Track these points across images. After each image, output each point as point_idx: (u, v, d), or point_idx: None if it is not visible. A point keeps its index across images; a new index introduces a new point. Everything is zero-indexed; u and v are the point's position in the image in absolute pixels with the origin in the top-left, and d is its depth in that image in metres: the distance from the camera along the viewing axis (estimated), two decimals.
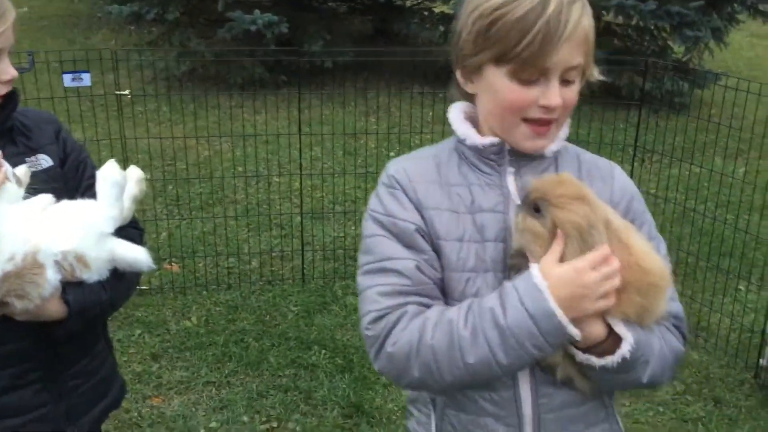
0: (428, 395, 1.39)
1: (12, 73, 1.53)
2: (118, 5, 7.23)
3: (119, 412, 2.93)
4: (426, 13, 8.19)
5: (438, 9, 8.23)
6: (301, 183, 4.13)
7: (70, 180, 1.62)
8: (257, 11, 6.68)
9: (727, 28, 7.24)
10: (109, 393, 1.75)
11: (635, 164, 4.26)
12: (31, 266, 1.43)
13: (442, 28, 8.01)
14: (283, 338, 3.44)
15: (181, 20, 7.26)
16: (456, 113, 1.37)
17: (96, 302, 1.54)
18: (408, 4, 8.28)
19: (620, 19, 7.29)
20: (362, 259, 1.34)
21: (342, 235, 4.47)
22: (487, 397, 1.31)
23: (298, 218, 4.38)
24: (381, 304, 1.28)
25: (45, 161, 1.60)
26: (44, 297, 1.45)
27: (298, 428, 2.88)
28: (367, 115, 6.51)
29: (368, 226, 1.33)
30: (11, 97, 1.56)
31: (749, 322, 3.62)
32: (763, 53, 10.69)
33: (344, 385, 3.12)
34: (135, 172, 1.61)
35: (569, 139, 1.41)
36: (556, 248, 1.20)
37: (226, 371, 3.21)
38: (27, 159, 1.57)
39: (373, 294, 1.29)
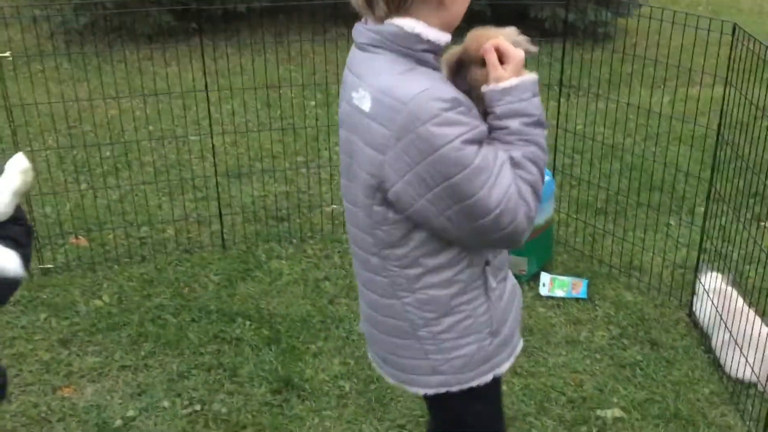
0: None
1: None
2: None
3: (27, 408, 2.70)
4: None
5: None
6: (213, 140, 3.86)
7: None
8: None
9: None
10: None
11: (561, 100, 4.12)
12: None
13: None
14: (203, 312, 3.23)
15: None
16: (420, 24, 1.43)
17: None
18: None
19: None
20: (480, 179, 1.38)
21: (263, 194, 4.24)
22: None
23: (214, 179, 4.13)
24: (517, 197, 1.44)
25: None
26: None
27: (223, 410, 2.70)
28: (285, 63, 6.20)
29: (468, 151, 1.37)
30: None
31: (681, 258, 3.58)
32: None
33: (271, 359, 2.95)
34: (19, 162, 1.44)
35: None
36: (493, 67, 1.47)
37: (143, 353, 2.99)
38: None
39: (515, 194, 1.43)
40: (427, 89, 1.36)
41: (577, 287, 3.39)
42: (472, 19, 1.61)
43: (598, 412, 2.71)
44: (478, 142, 1.40)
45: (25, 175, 1.48)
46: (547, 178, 3.45)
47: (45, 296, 3.33)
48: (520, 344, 1.81)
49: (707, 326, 3.03)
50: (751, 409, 2.67)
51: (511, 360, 1.75)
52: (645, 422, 2.66)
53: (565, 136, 4.09)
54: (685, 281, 3.38)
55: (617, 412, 2.71)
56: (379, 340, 1.70)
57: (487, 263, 1.60)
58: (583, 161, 4.49)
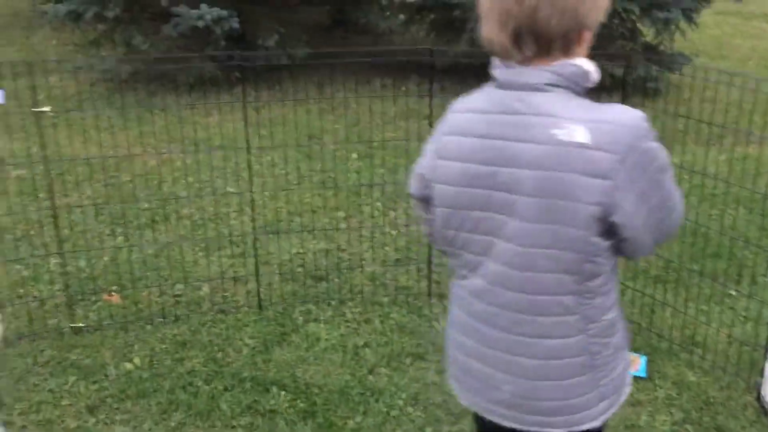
0: None
1: None
2: (54, 4, 6.74)
3: None
4: (385, 1, 7.80)
5: None
6: (252, 194, 3.75)
7: None
8: (204, 5, 6.24)
9: (698, 8, 6.97)
10: None
11: None
12: None
13: (402, 17, 7.65)
14: (237, 379, 3.07)
15: (123, 17, 6.79)
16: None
17: None
18: None
19: None
20: (673, 181, 1.51)
21: (301, 251, 4.11)
22: None
23: (253, 234, 4.02)
24: None
25: None
26: None
27: None
28: (326, 113, 6.14)
29: (666, 157, 1.49)
30: None
31: (746, 334, 3.34)
32: (730, 31, 10.51)
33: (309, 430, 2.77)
34: None
35: None
36: None
37: (173, 423, 2.83)
38: None
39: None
40: (638, 113, 1.45)
41: (635, 364, 3.16)
42: None
43: None
44: None
45: None
46: None
47: (75, 357, 3.20)
48: None
49: None
50: None
51: None
52: None
53: None
54: (753, 360, 3.14)
55: None
56: (535, 393, 1.59)
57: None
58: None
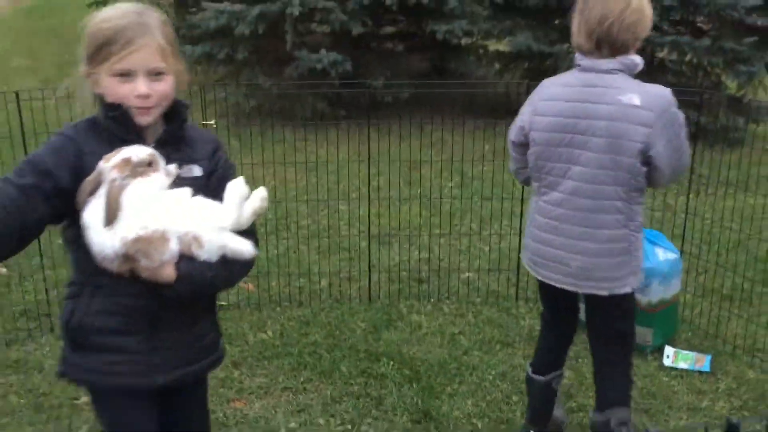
0: None
1: (141, 90, 1.86)
2: (191, 45, 7.68)
3: None
4: (481, 50, 8.46)
5: (493, 47, 8.50)
6: (368, 208, 4.38)
7: (212, 190, 1.94)
8: (323, 50, 7.04)
9: None
10: (200, 361, 2.06)
11: (690, 195, 4.39)
12: (159, 237, 1.80)
13: (497, 65, 8.27)
14: (353, 350, 3.66)
15: (249, 59, 7.66)
16: None
17: (200, 275, 1.86)
18: (464, 42, 8.55)
19: (674, 56, 7.45)
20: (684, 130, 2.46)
21: (406, 258, 4.69)
22: None
23: (363, 243, 4.64)
24: None
25: (196, 171, 1.97)
26: (163, 260, 1.81)
27: (371, 431, 3.08)
28: (425, 148, 6.76)
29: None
30: (178, 112, 1.97)
31: None
32: None
33: (412, 394, 3.31)
34: (260, 191, 1.95)
35: None
36: None
37: (302, 378, 3.44)
38: (183, 165, 1.93)
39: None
40: (668, 90, 2.42)
41: (701, 361, 3.58)
42: None
43: None
44: None
45: (263, 202, 1.95)
46: (675, 256, 3.71)
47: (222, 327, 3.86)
48: None
49: None
50: None
51: None
52: None
53: (692, 228, 4.34)
54: None
55: None
56: (579, 264, 2.55)
57: None
58: (710, 252, 4.69)
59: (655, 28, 6.64)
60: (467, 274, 4.52)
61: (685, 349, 3.68)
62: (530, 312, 4.10)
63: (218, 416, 3.15)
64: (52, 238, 4.03)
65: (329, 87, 7.17)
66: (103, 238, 1.79)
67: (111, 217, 1.78)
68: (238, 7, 6.99)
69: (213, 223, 1.88)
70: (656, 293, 3.62)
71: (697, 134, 4.97)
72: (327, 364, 3.54)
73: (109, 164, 1.80)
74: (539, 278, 2.71)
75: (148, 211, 1.81)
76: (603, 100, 2.46)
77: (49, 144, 1.87)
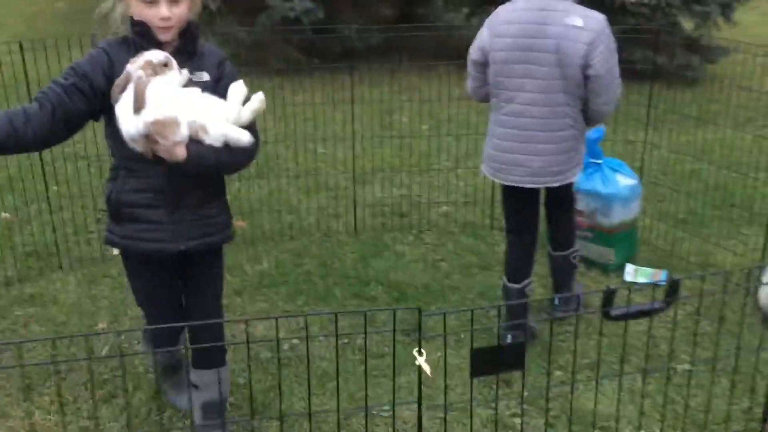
0: None
1: (163, 13, 2.34)
2: None
3: None
4: None
5: None
6: (354, 149, 4.66)
7: (219, 92, 2.43)
8: None
9: (732, 5, 7.65)
10: (215, 235, 2.59)
11: (649, 129, 4.74)
12: (172, 121, 2.28)
13: (465, 10, 8.49)
14: (344, 277, 3.98)
15: (222, 8, 7.76)
16: None
17: (206, 156, 2.34)
18: None
19: None
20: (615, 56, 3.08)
21: (387, 195, 5.00)
22: None
23: (344, 183, 4.94)
24: None
25: (205, 76, 2.46)
26: (175, 140, 2.28)
27: (364, 342, 3.41)
28: (397, 93, 7.01)
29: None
30: (191, 31, 2.44)
31: (755, 259, 4.11)
32: None
33: (400, 312, 3.65)
34: (259, 95, 2.40)
35: None
36: None
37: (299, 302, 3.76)
38: (194, 72, 2.43)
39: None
40: (603, 16, 2.99)
41: (658, 275, 3.97)
42: None
43: (671, 364, 3.29)
44: None
45: (261, 103, 2.39)
46: (634, 181, 4.07)
47: None
48: None
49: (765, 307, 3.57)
50: None
51: None
52: (709, 374, 3.22)
53: (651, 160, 4.70)
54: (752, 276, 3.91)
55: (686, 366, 3.28)
56: (538, 164, 3.11)
57: None
58: (667, 181, 5.07)
59: None
60: (445, 207, 4.85)
61: (643, 266, 4.07)
62: (503, 241, 4.45)
63: (227, 338, 3.47)
64: (49, 185, 4.25)
65: (301, 35, 7.35)
66: (130, 123, 2.28)
67: (138, 105, 2.26)
68: None
69: (217, 115, 2.36)
70: (617, 216, 3.99)
71: (654, 72, 5.30)
72: (321, 289, 3.87)
73: (135, 65, 2.30)
74: (505, 183, 3.22)
75: (165, 101, 2.28)
76: (552, 21, 2.98)
77: (88, 54, 2.41)
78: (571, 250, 3.58)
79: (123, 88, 2.30)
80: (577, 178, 3.31)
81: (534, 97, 3.05)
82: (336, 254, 4.26)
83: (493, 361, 1.74)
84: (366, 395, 2.13)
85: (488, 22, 3.15)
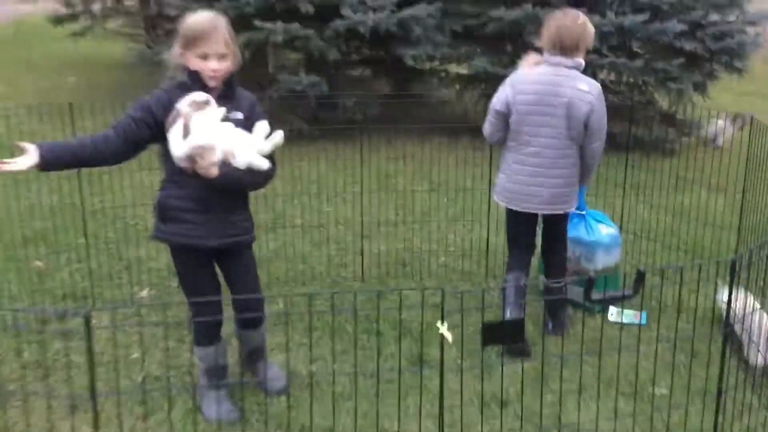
0: None
1: (212, 66, 3.08)
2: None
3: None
4: (443, 74, 9.32)
5: (453, 70, 9.37)
6: (361, 207, 5.12)
7: (250, 128, 3.14)
8: (302, 74, 7.80)
9: (706, 84, 8.32)
10: (239, 236, 3.34)
11: (629, 194, 5.24)
12: (210, 147, 2.99)
13: (457, 86, 9.13)
14: (354, 316, 4.38)
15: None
16: None
17: (233, 175, 3.07)
18: (426, 66, 9.41)
19: (613, 76, 8.41)
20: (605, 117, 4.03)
21: (390, 248, 5.44)
22: None
23: (349, 237, 5.39)
24: None
25: (239, 115, 3.17)
26: (212, 162, 3.00)
27: (373, 366, 3.79)
28: (396, 160, 7.55)
29: None
30: (232, 80, 3.19)
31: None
32: (747, 107, 11.80)
33: (405, 345, 4.04)
34: (279, 132, 3.11)
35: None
36: None
37: (315, 337, 4.14)
38: (232, 111, 3.12)
39: None
40: (598, 84, 3.89)
41: (638, 316, 4.39)
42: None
43: (650, 389, 3.68)
44: None
45: (280, 137, 3.10)
46: (614, 230, 4.54)
47: None
48: None
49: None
50: None
51: None
52: (684, 398, 3.60)
53: (630, 220, 5.19)
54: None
55: (664, 390, 3.67)
56: (548, 195, 3.98)
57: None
58: (646, 238, 5.55)
59: (596, 51, 7.61)
60: (443, 258, 5.29)
61: (625, 309, 4.49)
62: (508, 253, 4.88)
63: None
64: (78, 236, 4.67)
65: (306, 107, 7.92)
66: (179, 146, 2.96)
67: (186, 132, 2.94)
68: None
69: (245, 145, 3.06)
70: (600, 261, 4.44)
71: (632, 143, 5.84)
72: (334, 325, 4.25)
73: (183, 103, 2.97)
74: (517, 209, 4.08)
75: (205, 131, 2.95)
76: (564, 84, 3.86)
77: (153, 94, 3.13)
78: (562, 280, 4.18)
79: (174, 120, 2.99)
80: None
81: (548, 142, 3.91)
82: (346, 297, 4.67)
83: (500, 333, 2.15)
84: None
85: (510, 81, 3.98)
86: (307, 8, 7.58)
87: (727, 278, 2.74)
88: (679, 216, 5.86)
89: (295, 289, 4.79)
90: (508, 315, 4.02)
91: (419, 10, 7.81)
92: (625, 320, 4.40)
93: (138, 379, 3.77)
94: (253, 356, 3.66)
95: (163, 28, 14.18)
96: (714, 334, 4.23)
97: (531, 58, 4.01)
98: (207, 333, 3.38)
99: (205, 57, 3.07)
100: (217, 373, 3.47)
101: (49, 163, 2.93)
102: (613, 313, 4.46)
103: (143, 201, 5.53)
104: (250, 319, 3.52)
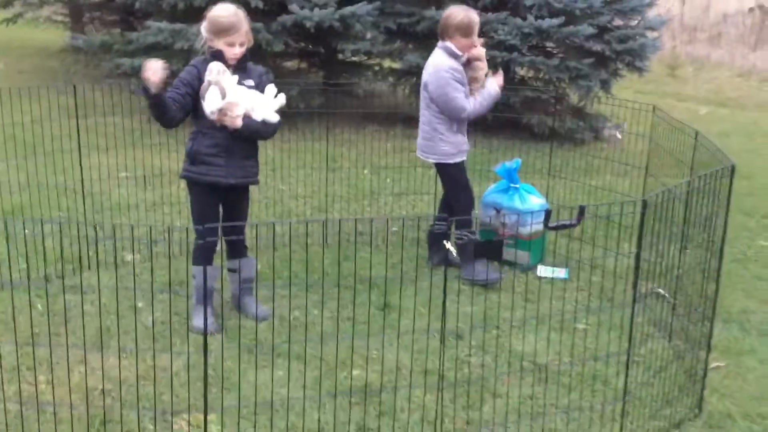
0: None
1: (236, 51, 4.06)
2: (129, 58, 8.76)
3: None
4: (377, 68, 10.06)
5: (387, 65, 10.12)
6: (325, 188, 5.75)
7: (259, 90, 4.14)
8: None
9: (611, 81, 9.38)
10: (250, 177, 4.33)
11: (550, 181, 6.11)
12: (236, 103, 3.93)
13: (390, 80, 9.89)
14: (325, 275, 5.05)
15: None
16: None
17: (253, 126, 4.05)
18: (360, 59, 10.12)
19: (531, 73, 9.37)
20: (451, 92, 5.04)
21: (347, 220, 6.14)
22: None
23: (309, 211, 6.01)
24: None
25: (251, 83, 4.13)
26: (237, 115, 3.95)
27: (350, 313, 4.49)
28: (339, 146, 8.24)
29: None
30: (245, 57, 4.14)
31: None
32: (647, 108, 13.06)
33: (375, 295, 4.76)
34: (282, 95, 4.09)
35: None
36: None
37: (294, 290, 4.79)
38: (244, 79, 4.08)
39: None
40: (445, 63, 4.96)
41: (561, 272, 5.26)
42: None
43: (574, 324, 4.53)
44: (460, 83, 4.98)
45: (284, 98, 4.05)
46: (543, 200, 5.40)
47: None
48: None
49: None
50: None
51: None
52: (603, 333, 4.46)
53: (550, 197, 6.07)
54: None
55: (582, 326, 4.53)
56: (425, 146, 5.14)
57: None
58: (567, 211, 6.45)
59: (517, 50, 8.52)
60: (395, 228, 6.02)
61: (549, 266, 5.35)
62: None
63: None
64: (53, 211, 5.12)
65: None
66: (216, 103, 3.87)
67: (222, 94, 3.85)
68: (178, 26, 8.20)
69: (259, 103, 4.00)
70: (531, 226, 5.28)
71: (552, 132, 6.71)
72: (309, 282, 4.91)
73: (213, 73, 3.87)
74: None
75: (233, 92, 3.88)
76: (429, 62, 5.04)
77: (186, 70, 4.09)
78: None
79: (208, 86, 3.91)
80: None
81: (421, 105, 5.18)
82: (314, 260, 5.33)
83: (486, 251, 2.91)
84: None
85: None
86: (257, 3, 8.14)
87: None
88: (593, 194, 6.80)
89: (267, 254, 5.41)
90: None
91: (359, 8, 8.52)
92: (552, 275, 5.26)
93: (147, 323, 4.34)
94: (243, 288, 4.48)
95: (88, 17, 14.38)
96: (626, 285, 5.15)
97: None
98: (204, 254, 4.12)
99: (231, 44, 4.03)
100: (206, 291, 4.15)
101: (161, 95, 3.85)
102: (540, 269, 5.31)
103: (104, 177, 6.07)
104: (240, 246, 4.47)
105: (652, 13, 9.91)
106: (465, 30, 4.87)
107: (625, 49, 8.97)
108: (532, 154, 7.51)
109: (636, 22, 9.34)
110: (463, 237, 4.71)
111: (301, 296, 4.67)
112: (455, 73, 4.89)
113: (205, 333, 3.09)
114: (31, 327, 3.87)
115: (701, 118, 11.21)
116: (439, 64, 4.90)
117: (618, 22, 9.18)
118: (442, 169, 5.12)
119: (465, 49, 4.93)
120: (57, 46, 14.41)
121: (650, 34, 9.44)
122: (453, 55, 4.92)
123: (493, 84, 5.01)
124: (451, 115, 4.94)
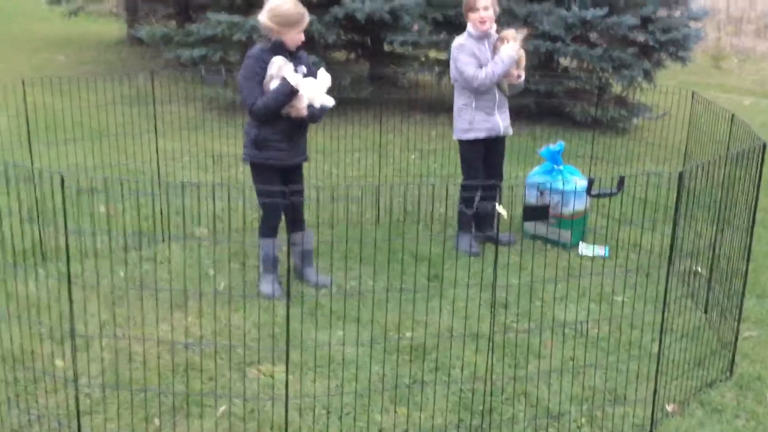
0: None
1: (302, 38, 4.56)
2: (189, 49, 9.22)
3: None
4: (423, 58, 10.37)
5: (432, 55, 10.42)
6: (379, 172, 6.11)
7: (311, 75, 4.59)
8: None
9: (653, 72, 9.54)
10: (305, 155, 4.85)
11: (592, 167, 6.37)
12: (302, 95, 4.40)
13: (437, 69, 10.18)
14: (377, 248, 5.40)
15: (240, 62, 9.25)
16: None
17: (314, 113, 4.55)
18: (405, 51, 10.44)
19: (575, 63, 9.59)
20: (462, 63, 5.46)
21: (390, 201, 6.48)
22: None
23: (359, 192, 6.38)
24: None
25: (304, 69, 4.56)
26: (304, 105, 4.44)
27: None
28: (387, 133, 8.59)
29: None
30: (300, 47, 4.62)
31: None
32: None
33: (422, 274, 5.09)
34: (329, 78, 4.51)
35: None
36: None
37: (349, 264, 5.16)
38: (299, 66, 4.52)
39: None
40: (459, 40, 5.53)
41: (601, 250, 5.53)
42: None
43: (613, 297, 4.81)
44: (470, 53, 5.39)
45: (329, 80, 4.41)
46: (585, 182, 5.67)
47: None
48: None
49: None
50: None
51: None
52: (639, 304, 4.72)
53: (598, 183, 6.34)
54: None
55: (620, 298, 4.81)
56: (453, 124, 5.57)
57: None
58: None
59: (561, 40, 8.75)
60: (442, 209, 6.35)
61: (591, 244, 5.63)
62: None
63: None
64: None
65: None
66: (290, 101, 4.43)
67: (293, 90, 4.36)
68: (236, 18, 8.62)
69: (317, 90, 4.44)
70: (573, 206, 5.55)
71: (593, 121, 6.94)
72: (362, 253, 5.27)
73: (286, 70, 4.36)
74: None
75: (299, 85, 4.36)
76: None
77: (253, 57, 4.48)
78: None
79: (274, 77, 4.42)
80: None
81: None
82: (368, 234, 5.68)
83: (534, 213, 3.26)
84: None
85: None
86: None
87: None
88: (633, 179, 7.01)
89: (324, 229, 5.79)
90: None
91: (408, 0, 8.84)
92: (593, 253, 5.53)
93: (219, 287, 4.75)
94: (305, 260, 4.93)
95: (143, 10, 14.95)
96: (661, 261, 5.40)
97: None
98: (272, 227, 4.73)
99: (299, 33, 4.52)
100: (272, 261, 4.75)
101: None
102: (582, 247, 5.59)
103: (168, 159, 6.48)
104: (300, 218, 4.92)
105: (695, 4, 10.03)
106: (466, 7, 5.35)
107: (668, 40, 9.13)
108: (574, 142, 7.75)
109: (679, 12, 9.49)
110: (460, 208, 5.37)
111: (356, 268, 5.03)
112: (464, 48, 5.32)
113: (273, 296, 3.50)
114: (112, 290, 4.29)
115: (744, 109, 11.28)
116: (454, 43, 5.41)
117: (662, 12, 9.34)
118: (459, 144, 5.56)
119: (475, 24, 5.31)
120: (112, 39, 15.04)
121: (694, 25, 9.58)
122: (469, 34, 5.37)
123: (507, 50, 5.28)
124: (467, 86, 5.31)
